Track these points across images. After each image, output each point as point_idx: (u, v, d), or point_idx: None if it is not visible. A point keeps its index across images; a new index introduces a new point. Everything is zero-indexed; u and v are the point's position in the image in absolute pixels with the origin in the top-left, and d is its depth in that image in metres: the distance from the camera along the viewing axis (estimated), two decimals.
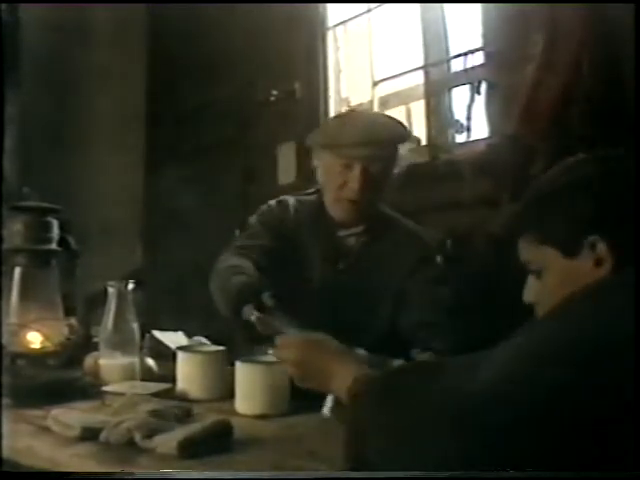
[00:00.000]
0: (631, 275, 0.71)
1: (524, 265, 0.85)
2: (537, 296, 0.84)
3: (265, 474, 0.82)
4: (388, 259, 1.54)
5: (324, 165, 1.56)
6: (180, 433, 0.91)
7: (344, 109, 2.96)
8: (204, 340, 1.52)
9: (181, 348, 1.30)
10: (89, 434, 0.94)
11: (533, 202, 0.85)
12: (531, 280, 0.85)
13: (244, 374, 1.14)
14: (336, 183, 1.53)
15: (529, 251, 0.83)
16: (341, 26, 2.98)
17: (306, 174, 2.16)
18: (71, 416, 1.00)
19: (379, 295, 1.51)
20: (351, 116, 1.64)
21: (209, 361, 1.25)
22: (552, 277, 0.81)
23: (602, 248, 0.75)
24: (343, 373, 0.89)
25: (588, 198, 0.77)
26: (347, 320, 1.38)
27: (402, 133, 1.57)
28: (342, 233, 1.59)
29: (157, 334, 1.47)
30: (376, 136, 1.51)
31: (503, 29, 2.10)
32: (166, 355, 1.40)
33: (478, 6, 2.31)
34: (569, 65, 1.45)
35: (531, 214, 0.84)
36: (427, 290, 1.51)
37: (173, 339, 1.49)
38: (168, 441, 0.89)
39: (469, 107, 2.40)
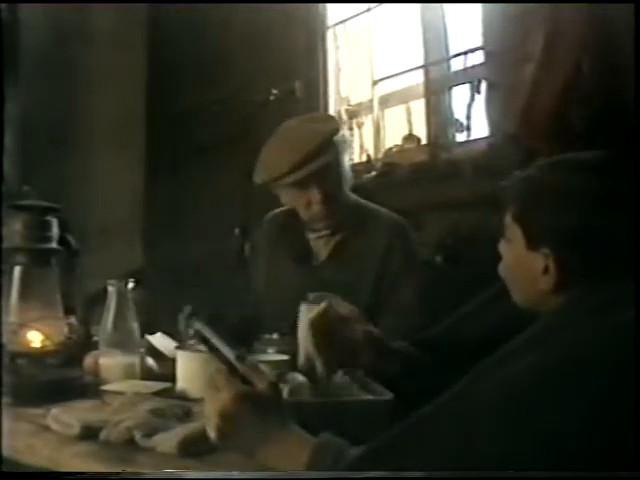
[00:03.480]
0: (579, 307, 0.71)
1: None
2: (503, 254, 0.87)
3: (265, 474, 0.82)
4: (360, 249, 1.58)
5: (282, 194, 1.60)
6: (180, 432, 0.90)
7: (344, 108, 2.97)
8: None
9: (181, 347, 1.30)
10: (89, 433, 0.94)
11: (522, 182, 0.85)
12: (504, 238, 0.88)
13: None
14: (300, 204, 1.58)
15: (506, 218, 0.85)
16: (341, 25, 2.99)
17: None
18: (71, 415, 0.99)
19: (356, 285, 1.54)
20: (279, 140, 1.60)
21: (209, 360, 1.25)
22: (513, 252, 0.84)
23: (551, 262, 0.76)
24: (287, 442, 0.78)
25: (564, 209, 0.77)
26: None
27: (330, 129, 1.56)
28: (312, 235, 1.65)
29: (152, 340, 1.46)
30: (308, 150, 1.51)
31: (503, 28, 2.10)
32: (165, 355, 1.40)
33: (478, 5, 2.31)
34: (569, 64, 1.45)
35: (515, 191, 0.85)
36: (399, 277, 1.55)
37: (166, 344, 1.49)
38: (168, 440, 0.89)
39: (469, 106, 2.41)
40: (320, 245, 1.63)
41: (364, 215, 1.63)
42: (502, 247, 0.87)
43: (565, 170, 0.81)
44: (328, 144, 1.53)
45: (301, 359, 1.01)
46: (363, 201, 1.68)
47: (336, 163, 1.55)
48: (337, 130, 1.57)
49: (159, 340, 1.49)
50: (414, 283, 1.57)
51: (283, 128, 1.61)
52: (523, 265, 0.81)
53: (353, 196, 1.66)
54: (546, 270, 0.77)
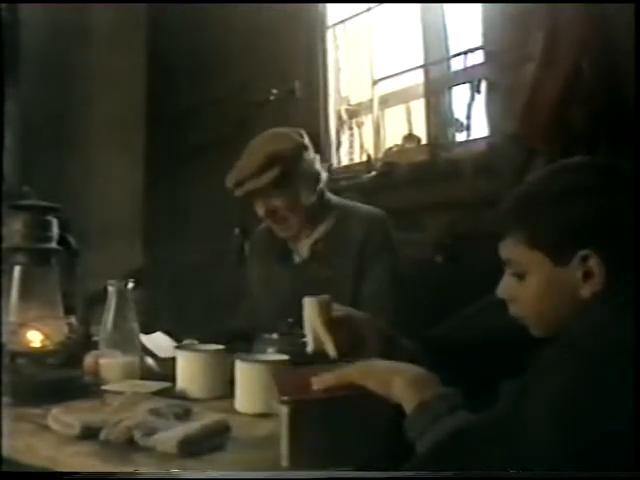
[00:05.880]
0: (624, 300, 0.70)
1: (503, 262, 0.83)
2: (515, 295, 0.83)
3: (265, 473, 0.82)
4: (338, 245, 1.61)
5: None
6: (180, 432, 0.90)
7: (344, 108, 2.96)
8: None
9: (181, 347, 1.30)
10: (89, 433, 0.94)
11: (525, 202, 0.81)
12: (509, 278, 0.83)
13: (244, 373, 1.14)
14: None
15: (514, 251, 0.81)
16: (341, 25, 2.98)
17: None
18: (71, 415, 0.99)
19: (338, 277, 1.59)
20: (245, 151, 1.64)
21: (209, 360, 1.25)
22: (538, 282, 0.79)
23: (594, 262, 0.73)
24: (408, 371, 0.81)
25: (585, 207, 0.75)
26: None
27: (276, 149, 1.58)
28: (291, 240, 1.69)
29: (144, 340, 1.46)
30: (246, 172, 1.56)
31: (503, 28, 2.10)
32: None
33: (478, 5, 2.31)
34: (569, 63, 1.45)
35: (521, 214, 0.80)
36: (378, 261, 1.60)
37: (163, 343, 1.49)
38: (168, 440, 0.89)
39: (469, 106, 2.40)
40: (301, 246, 1.66)
41: (342, 213, 1.67)
42: (509, 289, 0.83)
43: (569, 172, 0.80)
44: (268, 164, 1.55)
45: (310, 344, 1.05)
46: (342, 200, 1.72)
47: (281, 180, 1.56)
48: (287, 150, 1.58)
49: (155, 339, 1.48)
50: (386, 267, 1.60)
51: (251, 142, 1.64)
52: (555, 286, 0.77)
53: (334, 198, 1.70)
54: (586, 275, 0.74)
